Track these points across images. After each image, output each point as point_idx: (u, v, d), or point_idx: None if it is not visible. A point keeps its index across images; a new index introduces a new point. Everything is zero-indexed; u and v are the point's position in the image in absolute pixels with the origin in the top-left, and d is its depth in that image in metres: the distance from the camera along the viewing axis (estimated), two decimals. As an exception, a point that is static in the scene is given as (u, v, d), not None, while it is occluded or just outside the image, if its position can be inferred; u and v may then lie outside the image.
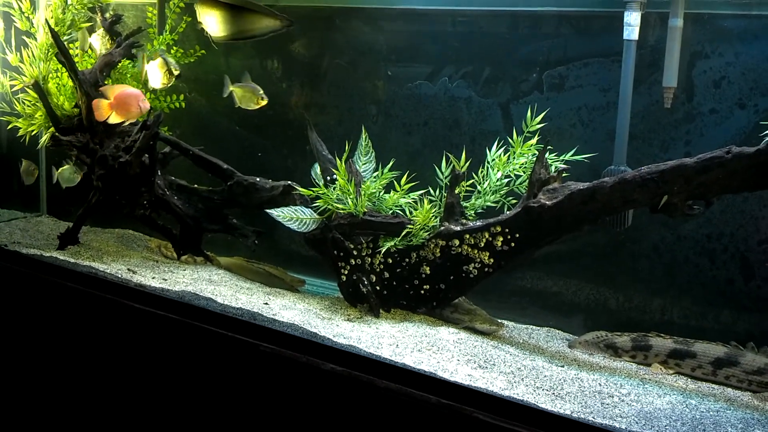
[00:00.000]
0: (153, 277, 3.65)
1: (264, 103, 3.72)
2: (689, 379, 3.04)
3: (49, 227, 4.52)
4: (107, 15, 4.17)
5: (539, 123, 3.26)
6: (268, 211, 3.46)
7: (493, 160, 3.35)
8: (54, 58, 4.06)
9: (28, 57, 4.11)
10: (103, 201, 3.95)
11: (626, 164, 3.18)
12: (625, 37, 3.17)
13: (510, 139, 3.32)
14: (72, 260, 3.77)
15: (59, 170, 3.93)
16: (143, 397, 3.47)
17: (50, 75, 4.12)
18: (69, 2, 4.17)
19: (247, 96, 3.70)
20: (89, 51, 4.17)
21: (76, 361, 3.65)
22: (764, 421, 2.64)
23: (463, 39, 3.71)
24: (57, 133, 4.04)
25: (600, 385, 2.84)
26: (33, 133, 4.22)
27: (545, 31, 3.51)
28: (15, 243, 4.03)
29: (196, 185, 3.97)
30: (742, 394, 2.92)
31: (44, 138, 4.15)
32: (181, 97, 4.20)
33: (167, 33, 4.13)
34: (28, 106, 4.18)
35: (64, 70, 4.04)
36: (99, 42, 3.99)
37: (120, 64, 4.13)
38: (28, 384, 3.84)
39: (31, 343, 3.81)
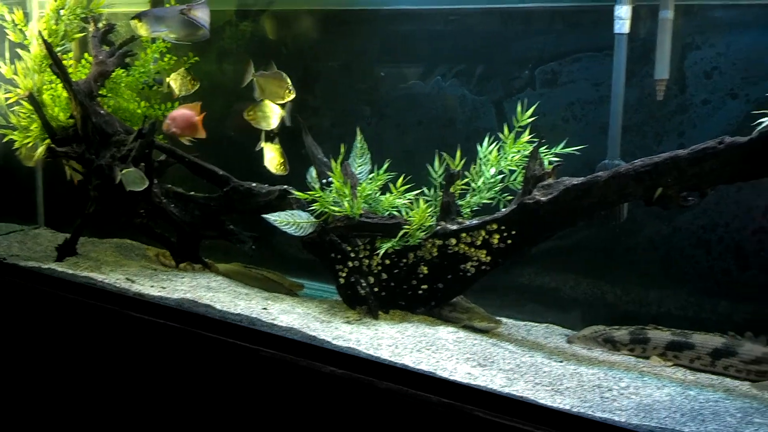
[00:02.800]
0: (151, 286, 3.66)
1: (292, 96, 3.53)
2: (688, 371, 3.04)
3: (47, 239, 4.53)
4: (100, 25, 4.19)
5: (531, 118, 3.27)
6: (264, 216, 3.47)
7: (485, 156, 3.35)
8: (48, 69, 4.07)
9: (22, 69, 4.12)
10: (100, 211, 3.96)
11: (620, 158, 3.19)
12: (615, 30, 3.17)
13: (502, 135, 3.33)
14: (70, 271, 3.78)
15: (124, 171, 3.83)
16: (146, 405, 3.48)
17: (45, 86, 4.12)
18: (62, 13, 4.18)
19: (273, 88, 3.49)
20: (83, 61, 4.19)
21: (78, 372, 3.66)
22: (762, 409, 2.64)
23: (455, 38, 3.72)
24: (53, 145, 4.05)
25: (599, 379, 2.84)
26: (29, 145, 4.23)
27: (536, 28, 3.51)
28: (13, 256, 4.05)
29: (192, 192, 3.97)
30: (740, 383, 2.92)
31: (40, 149, 4.15)
32: (176, 104, 4.21)
33: (160, 41, 4.14)
34: (24, 118, 4.18)
35: (58, 81, 4.04)
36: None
37: (114, 74, 4.13)
38: (31, 395, 3.86)
39: (32, 355, 3.83)
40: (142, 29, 3.70)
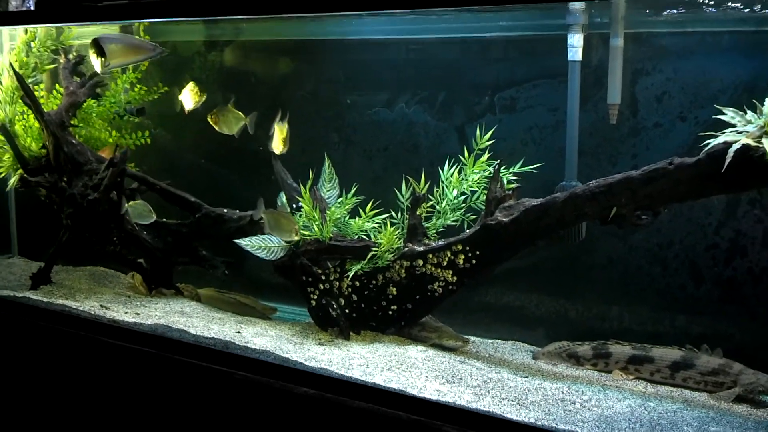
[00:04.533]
0: (126, 312, 3.71)
1: (297, 238, 3.48)
2: (648, 384, 3.16)
3: (20, 268, 4.56)
4: (70, 56, 4.25)
5: (490, 141, 3.38)
6: (236, 241, 3.55)
7: (447, 179, 3.47)
8: (20, 100, 4.13)
9: (-6, 101, 4.18)
10: (74, 239, 4.01)
11: (577, 179, 3.31)
12: (569, 58, 3.29)
13: (462, 158, 3.44)
14: (45, 299, 3.82)
15: (131, 203, 3.89)
16: (122, 430, 3.52)
17: (17, 117, 4.19)
18: (32, 46, 4.25)
19: (283, 222, 3.50)
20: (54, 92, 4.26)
21: (53, 398, 3.69)
22: (718, 418, 2.76)
23: (417, 66, 3.84)
24: (25, 175, 4.11)
25: (562, 392, 2.95)
26: (2, 175, 4.28)
27: (494, 56, 3.65)
28: (-13, 285, 4.08)
29: (164, 219, 4.04)
30: (699, 394, 3.04)
31: (13, 179, 4.21)
32: (146, 133, 4.29)
33: (130, 71, 4.22)
34: (-5, 149, 4.24)
35: (30, 112, 4.11)
36: (189, 97, 3.96)
37: (85, 104, 4.20)
38: (7, 422, 3.87)
39: (8, 382, 3.85)
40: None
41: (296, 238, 3.43)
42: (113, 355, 3.50)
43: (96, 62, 3.60)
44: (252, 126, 3.74)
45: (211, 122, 3.76)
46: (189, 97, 3.86)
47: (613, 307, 3.49)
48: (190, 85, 3.87)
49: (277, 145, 3.66)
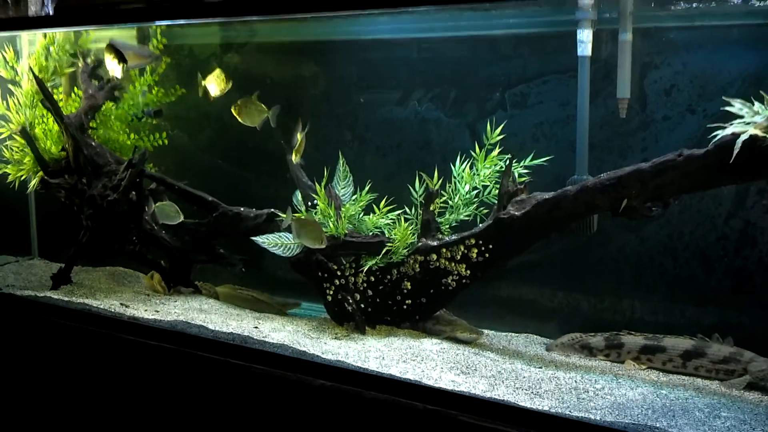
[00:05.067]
0: (145, 310, 3.78)
1: (324, 245, 3.50)
2: (661, 373, 3.20)
3: (41, 269, 4.64)
4: (89, 60, 4.34)
5: (501, 136, 3.43)
6: (253, 238, 3.62)
7: (459, 174, 3.52)
8: (39, 104, 4.22)
9: (14, 105, 4.26)
10: (93, 239, 4.09)
11: (588, 173, 3.35)
12: (579, 53, 3.34)
13: (474, 153, 3.50)
14: (66, 299, 3.90)
15: (158, 204, 3.95)
16: (143, 425, 3.58)
17: (36, 121, 4.27)
18: (51, 50, 4.34)
19: (310, 230, 3.51)
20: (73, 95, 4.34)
21: (76, 396, 3.77)
22: (729, 405, 2.80)
23: (429, 65, 3.90)
24: (46, 177, 4.20)
25: (576, 382, 2.99)
26: (23, 178, 4.37)
27: (505, 53, 3.70)
28: (9, 286, 4.16)
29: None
30: (710, 383, 3.08)
31: (33, 182, 4.29)
32: (164, 134, 4.37)
33: (148, 74, 4.30)
34: (16, 152, 4.32)
35: (49, 115, 4.20)
36: (214, 84, 3.97)
37: (104, 107, 4.29)
38: (31, 421, 3.95)
39: (30, 382, 3.93)
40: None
41: (323, 245, 3.46)
42: (134, 351, 3.57)
43: (117, 67, 3.69)
44: (274, 119, 3.77)
45: (234, 113, 3.78)
46: (214, 85, 3.89)
47: (624, 299, 3.53)
48: (217, 71, 3.90)
49: (296, 156, 3.74)
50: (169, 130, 4.45)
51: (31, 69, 4.21)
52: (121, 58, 3.71)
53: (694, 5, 3.24)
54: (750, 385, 2.99)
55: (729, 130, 2.77)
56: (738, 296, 3.33)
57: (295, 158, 3.76)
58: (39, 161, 4.21)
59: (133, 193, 3.96)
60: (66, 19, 4.04)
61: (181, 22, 4.17)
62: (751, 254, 3.29)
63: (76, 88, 4.38)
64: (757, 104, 2.78)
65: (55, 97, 4.16)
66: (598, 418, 2.67)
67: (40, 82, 4.06)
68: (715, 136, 2.81)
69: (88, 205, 4.04)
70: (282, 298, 4.06)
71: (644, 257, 3.49)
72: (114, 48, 3.82)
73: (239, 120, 3.80)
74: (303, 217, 3.53)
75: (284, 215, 3.58)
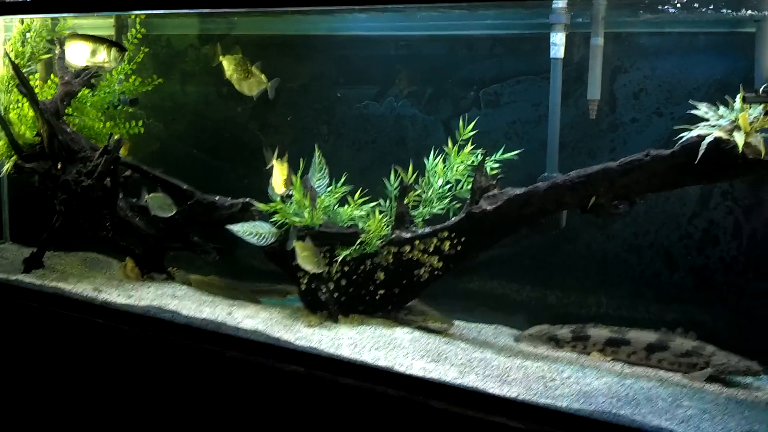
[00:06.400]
0: (118, 295, 3.79)
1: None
2: (625, 365, 3.30)
3: (12, 253, 4.61)
4: (66, 47, 4.33)
5: (473, 132, 3.51)
6: (228, 227, 3.65)
7: (433, 169, 3.60)
8: (15, 89, 4.20)
9: (-11, 89, 4.25)
10: (67, 225, 4.09)
11: (558, 171, 3.45)
12: (552, 55, 3.44)
13: (446, 148, 3.57)
14: (38, 282, 3.90)
15: (151, 195, 3.93)
16: (114, 410, 3.60)
17: (11, 105, 4.26)
18: (28, 36, 4.33)
19: (310, 255, 3.51)
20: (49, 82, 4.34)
21: (46, 379, 3.76)
22: (691, 395, 2.92)
23: (406, 62, 3.99)
24: (19, 161, 4.18)
25: (543, 371, 3.09)
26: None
27: (480, 53, 3.80)
28: (-21, 269, 4.14)
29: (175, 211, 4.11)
30: (673, 375, 3.19)
31: (7, 166, 4.27)
32: (140, 122, 4.38)
33: (125, 63, 4.31)
34: (-10, 136, 4.31)
35: (25, 100, 4.18)
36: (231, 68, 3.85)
37: (80, 94, 4.28)
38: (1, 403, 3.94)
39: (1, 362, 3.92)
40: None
41: (320, 270, 3.52)
42: (106, 336, 3.58)
43: (117, 56, 3.70)
44: (272, 92, 3.77)
45: (230, 77, 3.74)
46: (232, 70, 3.82)
47: (590, 294, 3.64)
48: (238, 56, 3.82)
49: (279, 186, 3.63)
50: (144, 118, 4.46)
51: (7, 54, 4.20)
52: (121, 47, 3.70)
53: (664, 12, 3.36)
54: (711, 378, 3.12)
55: (695, 132, 2.89)
56: (700, 293, 3.46)
57: (279, 189, 3.64)
58: (13, 145, 4.19)
59: (108, 179, 3.96)
60: (44, 6, 4.04)
61: (160, 12, 4.18)
62: (713, 253, 3.42)
63: (52, 75, 4.37)
64: (722, 108, 2.91)
65: (31, 83, 4.15)
66: (564, 405, 2.77)
67: (16, 68, 4.05)
68: (682, 138, 2.92)
69: (62, 190, 4.03)
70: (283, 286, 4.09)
71: (610, 254, 3.60)
72: (111, 41, 3.78)
73: (235, 86, 3.76)
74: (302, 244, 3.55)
75: (260, 205, 3.62)
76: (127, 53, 3.75)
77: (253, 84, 3.76)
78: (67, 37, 3.88)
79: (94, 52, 3.83)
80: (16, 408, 3.87)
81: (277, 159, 3.62)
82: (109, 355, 3.59)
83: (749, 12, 3.21)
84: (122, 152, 4.09)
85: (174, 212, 3.92)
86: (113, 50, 3.81)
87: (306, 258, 3.49)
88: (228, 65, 3.75)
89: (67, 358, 3.70)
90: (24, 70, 4.19)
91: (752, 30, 3.23)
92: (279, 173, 3.61)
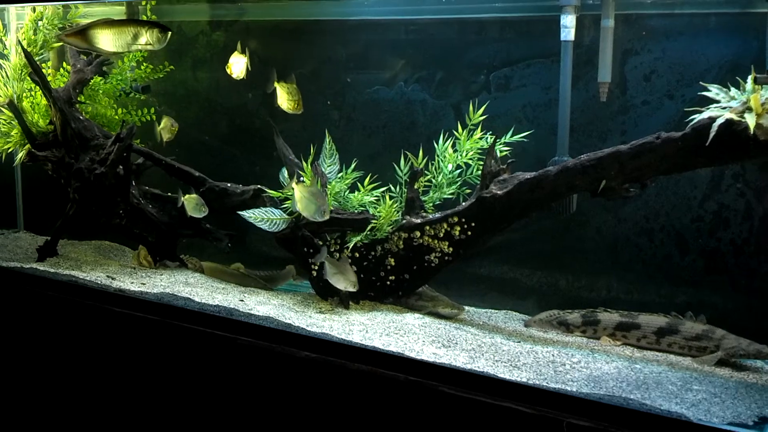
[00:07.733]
0: (132, 282, 3.83)
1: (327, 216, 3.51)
2: (635, 349, 3.30)
3: (27, 242, 4.66)
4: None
5: (483, 117, 3.51)
6: (240, 213, 3.67)
7: (443, 153, 3.60)
8: (27, 77, 4.24)
9: (2, 78, 4.28)
10: (80, 213, 4.13)
11: (568, 154, 3.44)
12: (562, 38, 3.43)
13: (456, 133, 3.57)
14: (52, 270, 3.93)
15: (186, 197, 3.96)
16: (128, 396, 3.64)
17: (24, 94, 4.29)
18: (40, 24, 4.35)
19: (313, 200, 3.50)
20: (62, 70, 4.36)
21: (61, 366, 3.81)
22: (701, 379, 2.91)
23: (416, 46, 3.97)
24: (33, 150, 4.22)
25: (553, 356, 3.09)
26: (9, 150, 4.39)
27: (490, 36, 3.78)
28: (-5, 257, 4.19)
29: (169, 193, 4.15)
30: (683, 359, 3.19)
31: (20, 154, 4.32)
32: (152, 110, 4.40)
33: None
34: (4, 124, 4.34)
35: (37, 88, 4.21)
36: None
37: (92, 81, 4.31)
38: (15, 389, 3.98)
39: (15, 352, 3.96)
40: None
41: (354, 289, 3.48)
42: (120, 323, 3.61)
43: (160, 36, 3.63)
44: (270, 83, 3.81)
45: (281, 104, 3.82)
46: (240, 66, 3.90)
47: (601, 277, 3.64)
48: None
49: (284, 104, 3.70)
50: (156, 105, 4.48)
51: (19, 42, 4.23)
52: (163, 27, 3.60)
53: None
54: (721, 362, 3.10)
55: (706, 114, 2.86)
56: (711, 276, 3.44)
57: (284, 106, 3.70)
58: (26, 134, 4.24)
59: (121, 167, 3.99)
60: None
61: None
62: (725, 236, 3.40)
63: (65, 63, 4.40)
64: (733, 90, 2.88)
65: (43, 71, 4.17)
66: (574, 389, 2.77)
67: (28, 56, 4.08)
68: (692, 120, 2.90)
69: (76, 178, 4.06)
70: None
71: (621, 237, 3.59)
72: (155, 22, 3.71)
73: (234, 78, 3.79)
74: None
75: (272, 192, 3.63)
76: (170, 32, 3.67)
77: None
78: (91, 25, 3.65)
79: (135, 36, 3.65)
80: (32, 395, 3.92)
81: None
82: (123, 342, 3.63)
83: (761, -8, 3.18)
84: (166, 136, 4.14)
85: (206, 212, 3.93)
86: (155, 31, 3.64)
87: (338, 276, 3.47)
88: (282, 92, 3.82)
89: (82, 345, 3.73)
90: (36, 58, 4.21)
91: (764, 10, 3.18)
92: (282, 93, 3.68)
